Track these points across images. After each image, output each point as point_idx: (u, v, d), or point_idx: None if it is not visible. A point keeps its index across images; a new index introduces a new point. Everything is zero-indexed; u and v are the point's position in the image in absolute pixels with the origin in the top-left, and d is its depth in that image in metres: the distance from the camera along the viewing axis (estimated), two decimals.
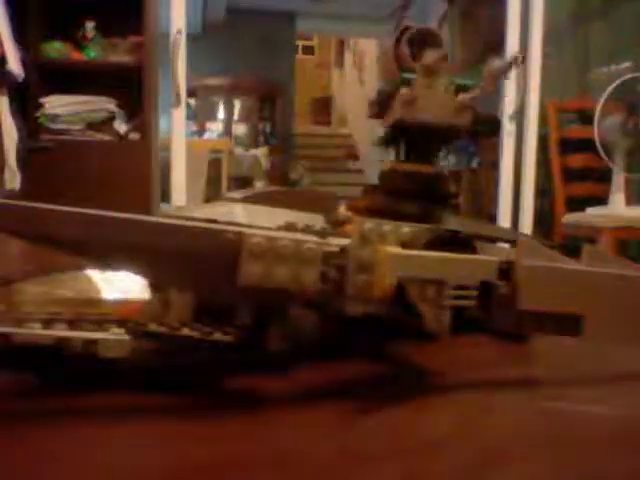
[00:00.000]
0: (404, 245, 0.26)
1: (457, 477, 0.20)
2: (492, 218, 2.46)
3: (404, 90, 0.38)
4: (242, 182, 4.16)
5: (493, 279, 0.25)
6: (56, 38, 2.21)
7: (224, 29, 5.46)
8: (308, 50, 9.06)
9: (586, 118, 2.30)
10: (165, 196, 2.19)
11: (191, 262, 0.24)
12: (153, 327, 0.24)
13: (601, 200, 2.21)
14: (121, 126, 2.25)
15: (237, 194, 0.38)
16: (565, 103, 2.49)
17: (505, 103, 2.20)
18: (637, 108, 2.05)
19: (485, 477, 0.20)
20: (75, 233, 0.23)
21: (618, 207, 2.10)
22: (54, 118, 2.19)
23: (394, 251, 0.24)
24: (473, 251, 0.31)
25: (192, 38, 2.09)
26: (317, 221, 0.35)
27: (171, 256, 0.24)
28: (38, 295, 0.29)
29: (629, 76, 2.09)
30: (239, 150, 4.95)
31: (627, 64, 2.20)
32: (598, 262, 0.30)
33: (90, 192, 2.12)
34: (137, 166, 2.20)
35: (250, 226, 0.27)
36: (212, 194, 3.02)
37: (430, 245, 0.27)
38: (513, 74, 2.18)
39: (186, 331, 0.24)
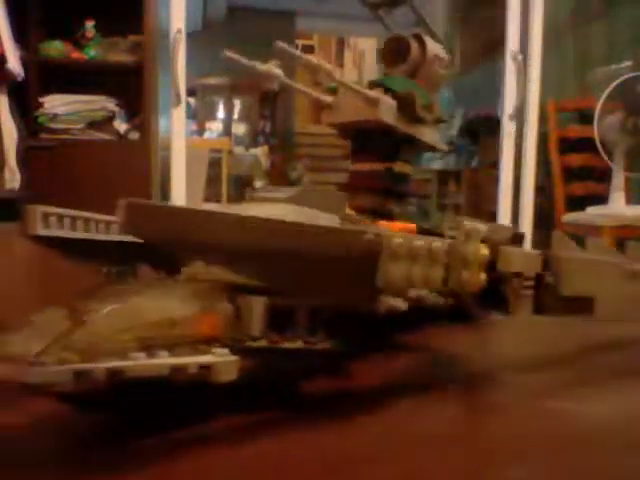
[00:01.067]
0: (483, 242, 0.28)
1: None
2: (492, 217, 2.45)
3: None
4: (242, 181, 4.15)
5: (542, 270, 0.29)
6: (56, 37, 2.21)
7: (224, 27, 5.45)
8: (308, 49, 9.04)
9: (586, 117, 2.29)
10: (165, 195, 2.19)
11: (313, 264, 0.23)
12: (256, 343, 0.23)
13: (601, 199, 2.21)
14: (121, 125, 2.25)
15: (270, 193, 0.36)
16: (565, 102, 2.49)
17: (505, 102, 2.20)
18: (637, 107, 2.05)
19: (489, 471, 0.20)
20: (219, 236, 0.22)
21: (618, 206, 2.10)
22: (54, 117, 2.18)
23: (501, 249, 0.26)
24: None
25: (192, 36, 2.09)
26: (334, 220, 0.35)
27: (292, 258, 0.23)
28: (113, 317, 0.24)
29: (629, 75, 2.09)
30: (239, 149, 4.95)
31: (627, 63, 2.19)
32: (603, 253, 0.36)
33: (90, 191, 2.12)
34: (137, 165, 2.20)
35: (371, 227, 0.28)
36: (212, 194, 3.02)
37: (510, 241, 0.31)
38: (513, 73, 2.17)
39: (291, 343, 0.23)
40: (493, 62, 3.20)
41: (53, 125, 2.19)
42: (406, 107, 0.41)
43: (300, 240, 0.22)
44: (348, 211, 0.39)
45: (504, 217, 2.24)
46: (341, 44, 8.68)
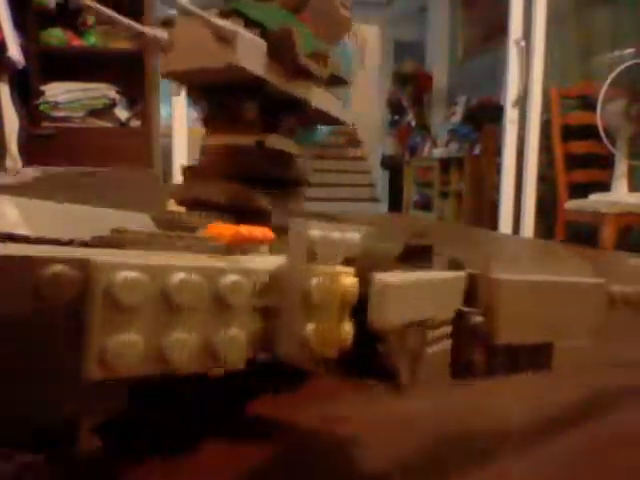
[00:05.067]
0: (350, 263, 0.16)
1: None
2: (494, 205, 2.45)
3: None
4: None
5: (462, 305, 0.17)
6: (56, 25, 2.20)
7: None
8: None
9: (589, 104, 2.28)
10: (166, 183, 2.19)
11: None
12: None
13: (604, 186, 2.21)
14: (122, 113, 2.25)
15: None
16: (568, 89, 2.48)
17: (508, 89, 2.19)
18: None
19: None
20: None
21: (621, 193, 2.10)
22: (55, 105, 2.18)
23: (389, 279, 0.14)
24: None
25: None
26: (140, 222, 0.22)
27: None
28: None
29: (632, 62, 2.07)
30: None
31: (630, 50, 2.18)
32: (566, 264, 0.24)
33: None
34: (138, 153, 2.19)
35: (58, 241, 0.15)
36: None
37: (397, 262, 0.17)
38: (516, 59, 2.16)
39: None
40: (496, 48, 3.18)
41: (54, 113, 2.18)
42: (282, 51, 0.25)
43: None
44: (174, 207, 0.26)
45: (506, 205, 2.24)
46: None
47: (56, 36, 2.20)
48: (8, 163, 1.87)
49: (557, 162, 2.41)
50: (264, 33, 0.26)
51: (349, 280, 0.14)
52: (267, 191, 0.26)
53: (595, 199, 2.13)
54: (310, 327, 0.14)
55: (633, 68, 2.06)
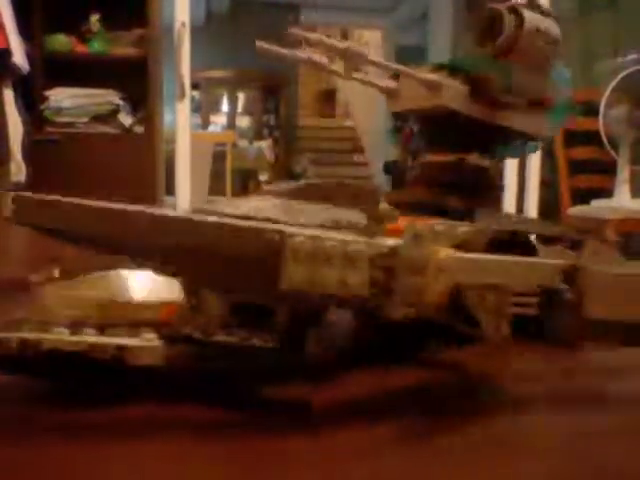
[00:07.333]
0: (458, 247, 0.24)
1: None
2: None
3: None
4: (246, 175, 4.16)
5: (557, 284, 0.23)
6: (60, 31, 2.21)
7: (228, 21, 5.44)
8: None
9: (591, 110, 2.28)
10: (169, 188, 2.19)
11: (227, 262, 0.22)
12: (187, 331, 0.23)
13: (606, 192, 2.21)
14: (126, 119, 2.26)
15: (277, 187, 0.34)
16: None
17: None
18: None
19: None
20: (107, 230, 0.22)
21: (623, 199, 2.10)
22: (59, 111, 2.19)
23: (452, 254, 0.22)
24: (533, 252, 0.30)
25: (195, 30, 2.09)
26: (358, 218, 0.32)
27: (206, 255, 0.22)
28: (65, 298, 0.27)
29: (635, 68, 2.08)
30: (243, 143, 4.95)
31: (633, 56, 2.18)
32: (603, 259, 0.32)
33: (95, 184, 2.12)
34: (142, 159, 2.20)
35: (290, 224, 0.25)
36: (216, 187, 3.02)
37: (489, 247, 0.24)
38: None
39: (222, 336, 0.23)
40: None
41: (58, 119, 2.19)
42: (481, 92, 0.36)
43: (199, 237, 0.22)
44: (385, 206, 0.34)
45: (509, 210, 2.24)
46: (345, 36, 8.65)
47: (60, 42, 2.22)
48: (12, 168, 1.87)
49: (560, 168, 2.41)
50: (467, 77, 0.37)
51: (444, 253, 0.22)
52: (462, 195, 0.37)
53: (597, 205, 2.12)
54: (412, 280, 0.22)
55: (635, 74, 2.06)
